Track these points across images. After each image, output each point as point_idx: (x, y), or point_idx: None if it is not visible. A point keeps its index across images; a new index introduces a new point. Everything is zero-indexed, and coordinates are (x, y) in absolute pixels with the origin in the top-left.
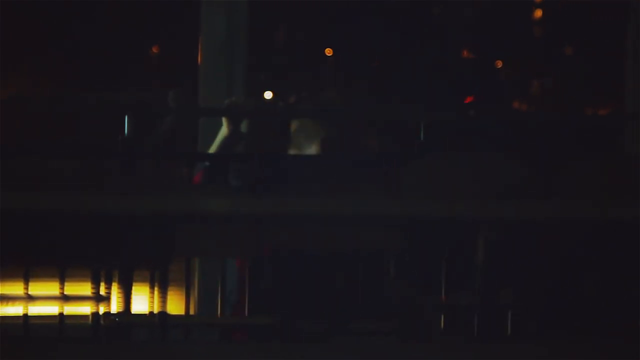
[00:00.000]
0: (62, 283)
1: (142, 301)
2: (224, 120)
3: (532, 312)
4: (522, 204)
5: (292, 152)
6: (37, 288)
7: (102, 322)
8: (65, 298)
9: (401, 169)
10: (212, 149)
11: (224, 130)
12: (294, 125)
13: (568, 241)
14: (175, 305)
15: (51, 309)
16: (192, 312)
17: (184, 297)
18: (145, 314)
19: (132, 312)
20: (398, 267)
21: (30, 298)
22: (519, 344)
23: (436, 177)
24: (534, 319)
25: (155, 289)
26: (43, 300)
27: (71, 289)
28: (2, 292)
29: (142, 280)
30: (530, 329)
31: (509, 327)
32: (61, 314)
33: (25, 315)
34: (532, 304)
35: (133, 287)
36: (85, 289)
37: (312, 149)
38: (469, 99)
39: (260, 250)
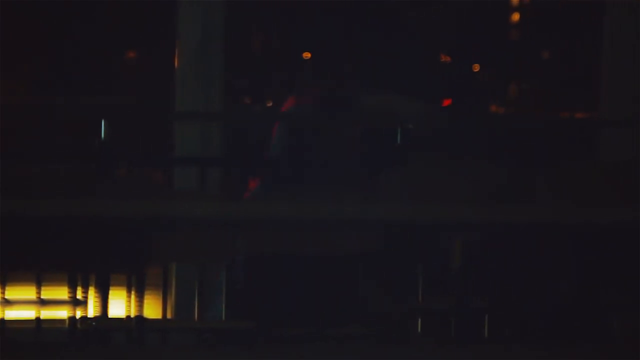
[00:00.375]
0: (38, 287)
1: (120, 305)
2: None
3: (509, 315)
4: (500, 208)
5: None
6: (15, 293)
7: (79, 326)
8: (42, 302)
9: (379, 173)
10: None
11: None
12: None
13: (547, 245)
14: (153, 309)
15: (28, 313)
16: (169, 315)
17: (161, 301)
18: (122, 318)
19: (110, 316)
20: (375, 271)
21: (6, 302)
22: (496, 346)
23: (414, 181)
24: (511, 322)
25: (133, 293)
26: (20, 304)
27: (48, 293)
28: None
29: (119, 284)
30: (506, 332)
31: (486, 330)
32: (38, 318)
33: (2, 320)
34: (509, 307)
35: (110, 291)
36: (63, 293)
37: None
38: (446, 102)
39: (237, 255)
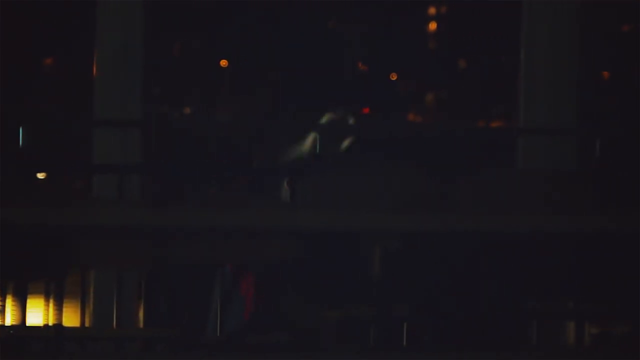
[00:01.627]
0: None
1: (37, 313)
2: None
3: (430, 323)
4: (419, 216)
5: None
6: None
7: None
8: None
9: (299, 181)
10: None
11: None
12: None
13: (466, 253)
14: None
15: None
16: (87, 324)
17: (79, 310)
18: (40, 327)
19: (28, 325)
20: (296, 279)
21: None
22: (416, 355)
23: (334, 189)
24: (431, 330)
25: (51, 301)
26: None
27: None
28: None
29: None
30: (427, 340)
31: (405, 338)
32: None
33: None
34: (429, 315)
35: (28, 300)
36: None
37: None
38: (365, 111)
39: (158, 263)
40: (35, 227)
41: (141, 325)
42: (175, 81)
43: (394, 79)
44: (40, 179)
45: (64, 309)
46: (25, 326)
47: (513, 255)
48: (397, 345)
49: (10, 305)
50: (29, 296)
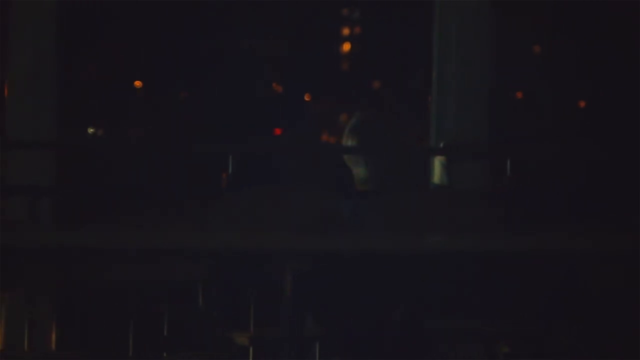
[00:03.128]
0: None
1: None
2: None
3: (341, 342)
4: (331, 236)
5: None
6: None
7: None
8: None
9: (209, 202)
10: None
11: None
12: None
13: (378, 273)
14: None
15: None
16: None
17: None
18: None
19: None
20: (206, 300)
21: None
22: None
23: (246, 210)
24: (344, 349)
25: None
26: None
27: None
28: None
29: None
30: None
31: (317, 357)
32: None
33: None
34: (340, 334)
35: None
36: None
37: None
38: (277, 132)
39: (70, 284)
40: None
41: (54, 347)
42: (88, 102)
43: (307, 99)
44: None
45: None
46: None
47: (421, 274)
48: None
49: None
50: None
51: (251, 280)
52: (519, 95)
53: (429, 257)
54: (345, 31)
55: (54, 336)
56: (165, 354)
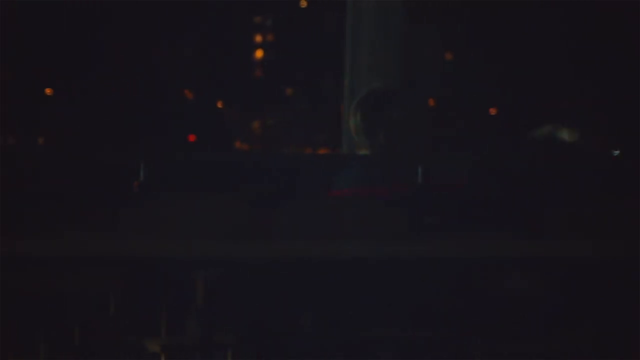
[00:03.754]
0: None
1: None
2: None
3: (255, 352)
4: (242, 243)
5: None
6: None
7: None
8: None
9: (121, 208)
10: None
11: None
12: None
13: (288, 280)
14: None
15: None
16: None
17: None
18: None
19: None
20: (118, 307)
21: None
22: None
23: (156, 216)
24: (255, 356)
25: None
26: None
27: None
28: None
29: None
30: None
31: None
32: None
33: None
34: (253, 343)
35: None
36: None
37: None
38: (191, 138)
39: None
40: None
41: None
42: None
43: (220, 107)
44: None
45: None
46: None
47: (334, 281)
48: None
49: None
50: None
51: (163, 287)
52: (431, 102)
53: (339, 264)
54: (258, 38)
55: None
56: None
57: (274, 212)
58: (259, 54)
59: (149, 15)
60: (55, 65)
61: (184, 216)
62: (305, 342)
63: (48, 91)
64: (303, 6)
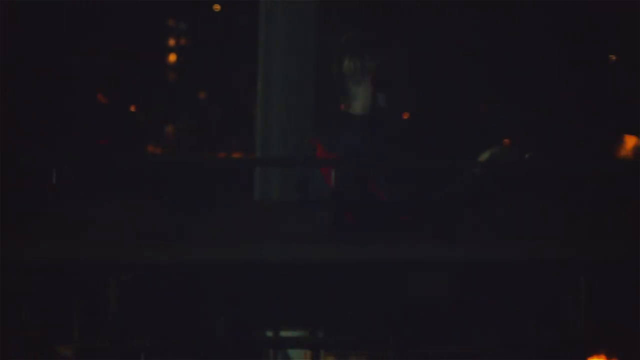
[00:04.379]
0: None
1: None
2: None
3: (166, 353)
4: (158, 247)
5: None
6: None
7: None
8: None
9: (37, 213)
10: None
11: None
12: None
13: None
14: None
15: None
16: None
17: None
18: None
19: None
20: (30, 310)
21: None
22: None
23: (70, 220)
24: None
25: None
26: None
27: None
28: None
29: None
30: None
31: None
32: None
33: None
34: (167, 347)
35: None
36: None
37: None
38: (102, 142)
39: None
40: None
41: None
42: None
43: (133, 110)
44: None
45: None
46: None
47: (244, 284)
48: None
49: None
50: None
51: (76, 291)
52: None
53: (254, 267)
54: (172, 42)
55: None
56: None
57: (192, 216)
58: (172, 57)
59: (61, 17)
60: None
61: (99, 220)
62: (218, 346)
63: None
64: (217, 10)
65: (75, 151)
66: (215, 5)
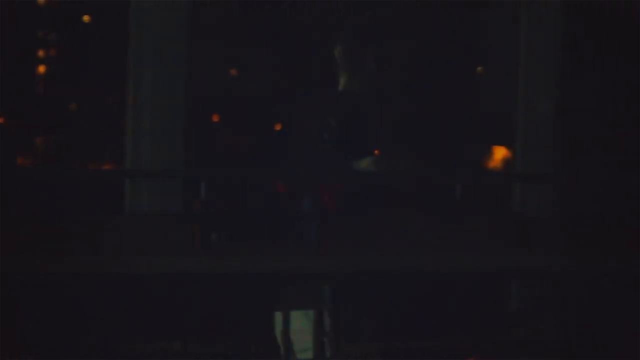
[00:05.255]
0: None
1: None
2: None
3: None
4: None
5: None
6: None
7: None
8: None
9: None
10: None
11: None
12: None
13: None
14: None
15: None
16: None
17: None
18: None
19: None
20: None
21: None
22: None
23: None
24: None
25: None
26: None
27: None
28: None
29: None
30: None
31: None
32: None
33: None
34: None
35: None
36: None
37: None
38: None
39: None
40: None
41: None
42: None
43: (1, 122)
44: None
45: None
46: None
47: (125, 296)
48: None
49: None
50: None
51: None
52: (215, 118)
53: (134, 279)
54: (41, 53)
55: None
56: None
57: (66, 227)
58: (41, 69)
59: None
60: None
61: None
62: (97, 355)
63: None
64: (86, 21)
65: None
66: (85, 16)
